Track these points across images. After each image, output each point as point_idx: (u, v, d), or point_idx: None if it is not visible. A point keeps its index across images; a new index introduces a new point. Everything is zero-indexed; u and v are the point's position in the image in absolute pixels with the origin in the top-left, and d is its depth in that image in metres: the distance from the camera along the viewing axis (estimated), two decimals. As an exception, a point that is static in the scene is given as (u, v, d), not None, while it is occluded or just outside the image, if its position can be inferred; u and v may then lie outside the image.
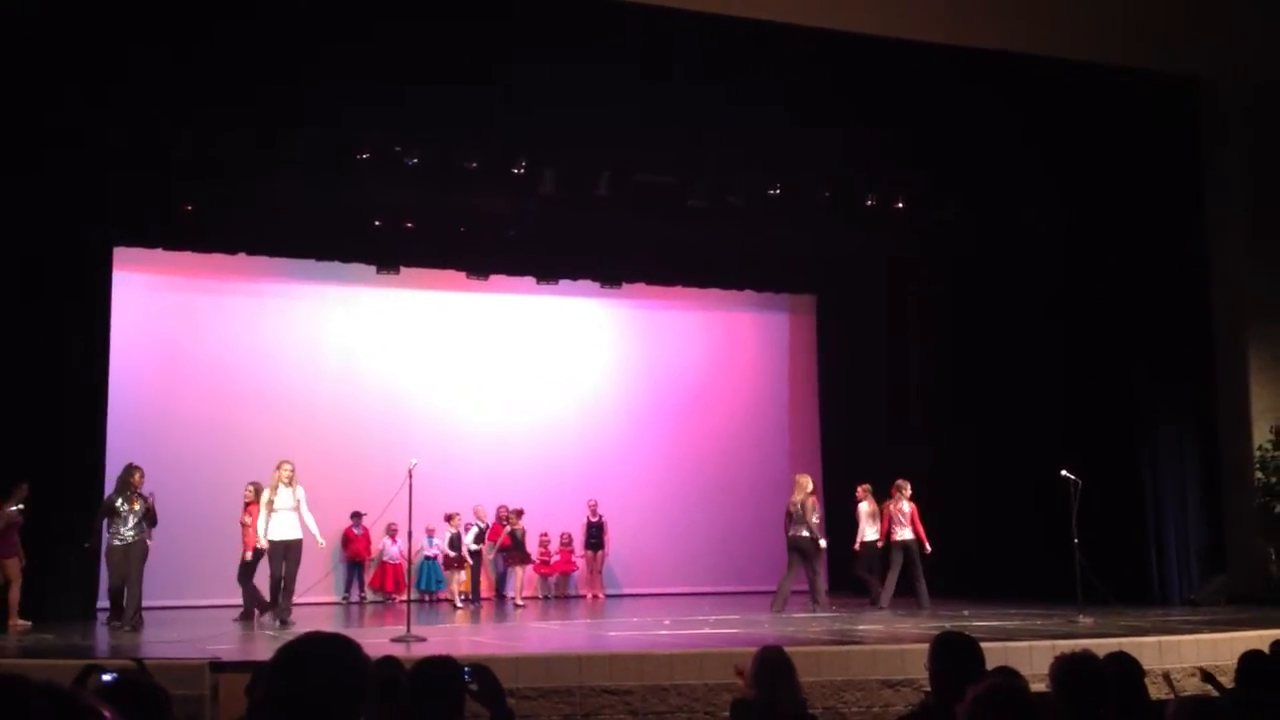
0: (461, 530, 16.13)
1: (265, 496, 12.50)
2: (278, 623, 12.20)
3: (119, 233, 14.90)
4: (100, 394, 14.34)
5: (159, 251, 15.57)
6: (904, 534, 14.51)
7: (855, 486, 15.19)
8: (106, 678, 4.27)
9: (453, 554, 15.96)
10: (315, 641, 2.58)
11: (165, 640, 11.20)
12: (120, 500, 12.25)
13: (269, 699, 2.48)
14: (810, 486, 14.35)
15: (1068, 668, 3.96)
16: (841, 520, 15.73)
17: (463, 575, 16.28)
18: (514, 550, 16.26)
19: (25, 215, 13.40)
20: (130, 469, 12.40)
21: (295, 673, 2.49)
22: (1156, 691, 8.33)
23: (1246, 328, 14.86)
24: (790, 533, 14.09)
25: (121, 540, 12.16)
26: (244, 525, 13.56)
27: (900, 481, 14.77)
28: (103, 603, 13.24)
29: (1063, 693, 3.93)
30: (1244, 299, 14.88)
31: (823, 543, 14.28)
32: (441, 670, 3.86)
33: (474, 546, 16.31)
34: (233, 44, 11.68)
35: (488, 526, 16.40)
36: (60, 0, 11.30)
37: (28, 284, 13.47)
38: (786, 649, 5.11)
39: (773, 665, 4.81)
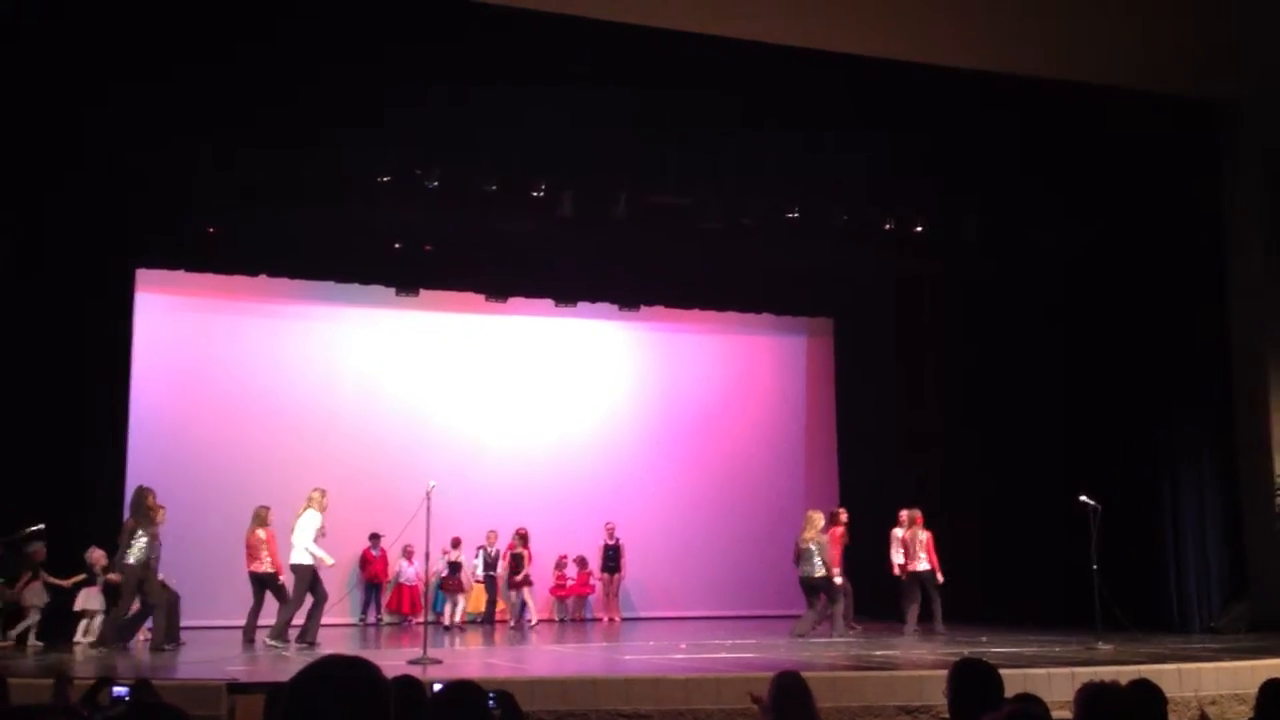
0: (466, 555, 16.33)
1: (316, 522, 12.66)
2: (296, 645, 12.22)
3: (141, 254, 15.02)
4: (121, 414, 14.43)
5: (181, 273, 15.65)
6: (920, 565, 14.42)
7: (898, 511, 14.89)
8: (118, 691, 4.29)
9: (448, 577, 16.15)
10: (335, 665, 2.57)
11: (183, 661, 11.23)
12: (139, 522, 12.29)
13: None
14: (820, 523, 14.22)
15: (1093, 696, 3.94)
16: (862, 545, 15.56)
17: (460, 599, 16.45)
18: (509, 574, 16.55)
19: (49, 236, 13.53)
20: (143, 491, 12.45)
21: (315, 696, 2.48)
22: None
23: (1267, 350, 14.76)
24: (799, 572, 14.05)
25: (136, 560, 12.19)
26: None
27: (913, 511, 14.67)
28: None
29: (1085, 721, 3.90)
30: (1265, 321, 14.79)
31: (838, 579, 14.21)
32: (466, 695, 3.86)
33: (481, 573, 16.43)
34: (254, 66, 11.77)
35: (497, 552, 16.46)
36: (83, 24, 11.40)
37: (51, 304, 13.57)
38: (803, 674, 5.10)
39: (790, 691, 4.79)
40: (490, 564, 16.46)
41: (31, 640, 12.32)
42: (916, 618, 14.37)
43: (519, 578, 16.47)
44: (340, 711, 2.44)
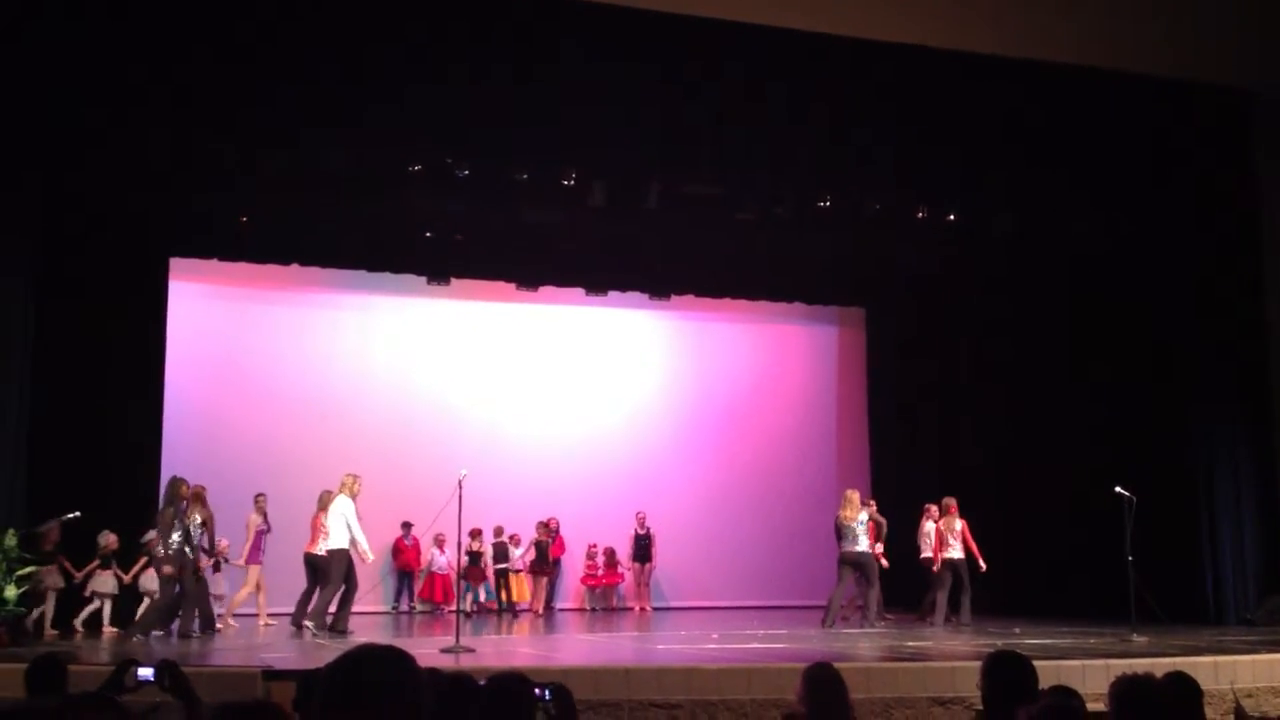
0: (483, 545, 16.70)
1: (352, 508, 12.65)
2: (330, 634, 12.28)
3: (175, 243, 15.12)
4: (156, 402, 14.52)
5: (214, 262, 15.74)
6: (953, 553, 14.39)
7: (927, 504, 14.90)
8: (143, 673, 4.32)
9: (469, 566, 16.41)
10: (370, 653, 2.57)
11: (218, 648, 11.32)
12: (172, 512, 12.37)
13: (324, 712, 2.46)
14: (857, 501, 14.26)
15: (1128, 689, 3.90)
16: (891, 536, 15.51)
17: (479, 589, 16.87)
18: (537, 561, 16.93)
19: (84, 226, 13.64)
20: (176, 481, 12.53)
21: (350, 684, 2.47)
22: (1213, 712, 8.19)
23: (1304, 342, 14.60)
24: (840, 548, 14.04)
25: (171, 549, 12.27)
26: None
27: (947, 500, 14.66)
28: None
29: (1121, 714, 3.87)
30: (1302, 313, 14.62)
31: (882, 561, 14.27)
32: (514, 687, 3.83)
33: (495, 566, 16.82)
34: (288, 55, 11.81)
35: (504, 544, 16.83)
36: (111, 14, 11.46)
37: (86, 294, 13.69)
38: (835, 665, 5.08)
39: (824, 682, 4.77)
40: (500, 556, 16.77)
41: (106, 625, 12.75)
42: (945, 608, 14.32)
43: (545, 566, 16.80)
44: (375, 700, 2.43)
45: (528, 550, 16.91)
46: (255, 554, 14.01)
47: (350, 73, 11.97)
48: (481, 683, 4.07)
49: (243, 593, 14.09)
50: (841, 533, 14.06)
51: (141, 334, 14.45)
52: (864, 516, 14.11)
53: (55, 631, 12.31)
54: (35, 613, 12.15)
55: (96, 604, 12.93)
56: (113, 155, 13.00)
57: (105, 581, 12.98)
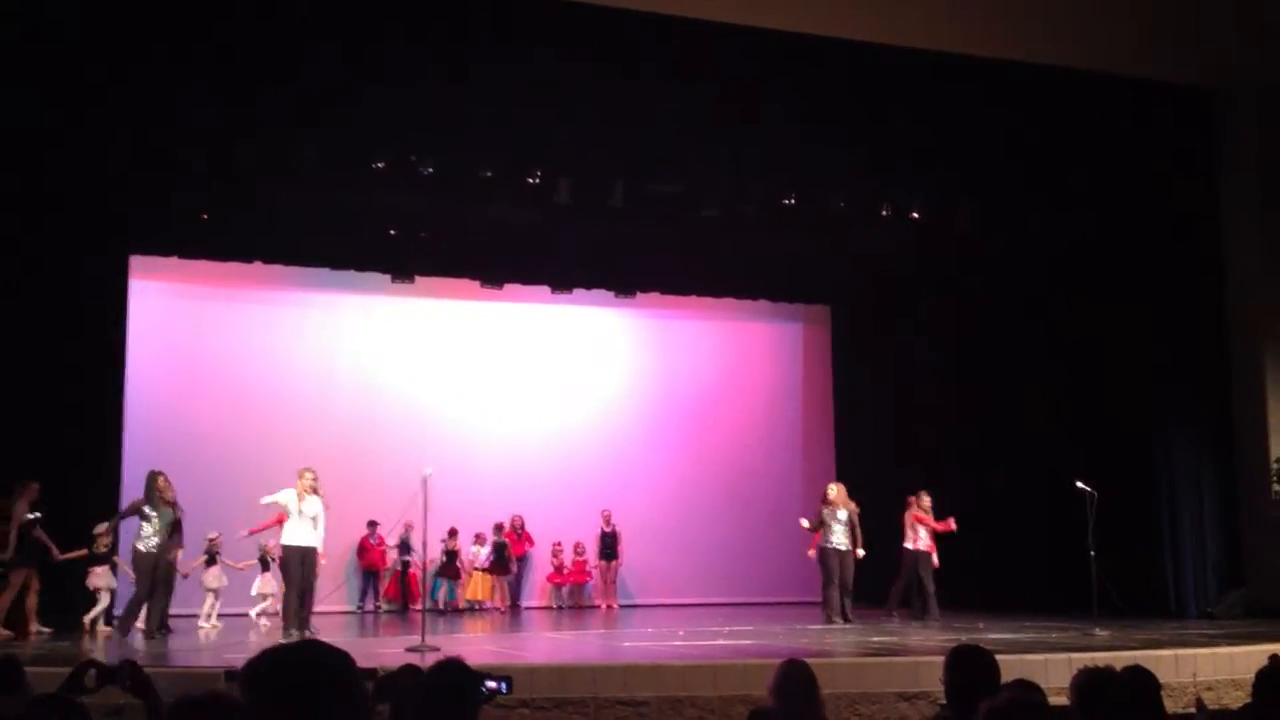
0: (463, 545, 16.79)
1: (291, 504, 12.29)
2: (294, 632, 12.16)
3: (136, 241, 14.97)
4: (117, 402, 14.40)
5: (175, 259, 15.60)
6: (920, 545, 14.54)
7: (907, 497, 15.10)
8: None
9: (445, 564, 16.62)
10: (283, 651, 2.52)
11: (181, 649, 11.23)
12: (148, 505, 12.25)
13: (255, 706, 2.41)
14: (831, 495, 14.38)
15: (1088, 682, 3.94)
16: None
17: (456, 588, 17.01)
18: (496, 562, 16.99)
19: (43, 223, 13.49)
20: (154, 475, 12.42)
21: (278, 687, 2.42)
22: (1175, 705, 8.27)
23: (1264, 336, 14.76)
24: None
25: (147, 547, 12.17)
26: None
27: (921, 495, 14.82)
28: (115, 610, 13.22)
29: (1082, 707, 3.90)
30: (1261, 307, 14.78)
31: (851, 552, 14.39)
32: (456, 677, 3.80)
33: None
34: (247, 52, 11.72)
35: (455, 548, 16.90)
36: (73, 9, 11.35)
37: (45, 291, 13.54)
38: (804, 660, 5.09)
39: (797, 678, 4.78)
40: (451, 556, 16.90)
41: (101, 625, 12.61)
42: (900, 596, 14.66)
43: (503, 567, 16.96)
44: (295, 695, 2.38)
45: (490, 552, 16.89)
46: None
47: (312, 69, 11.89)
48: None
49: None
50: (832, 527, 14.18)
51: (102, 333, 14.31)
52: (826, 511, 14.22)
53: (10, 632, 12.12)
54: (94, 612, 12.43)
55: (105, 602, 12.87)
56: (71, 154, 12.84)
57: (103, 576, 12.92)
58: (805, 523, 14.42)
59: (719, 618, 14.60)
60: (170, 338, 16.07)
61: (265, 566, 14.00)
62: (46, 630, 12.20)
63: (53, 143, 12.57)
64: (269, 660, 2.43)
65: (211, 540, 13.84)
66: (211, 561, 13.80)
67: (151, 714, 3.99)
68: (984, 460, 16.54)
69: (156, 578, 12.10)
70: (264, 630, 13.27)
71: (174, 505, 12.56)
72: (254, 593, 13.97)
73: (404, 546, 16.26)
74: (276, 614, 13.41)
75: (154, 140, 12.68)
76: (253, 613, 14.07)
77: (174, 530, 12.60)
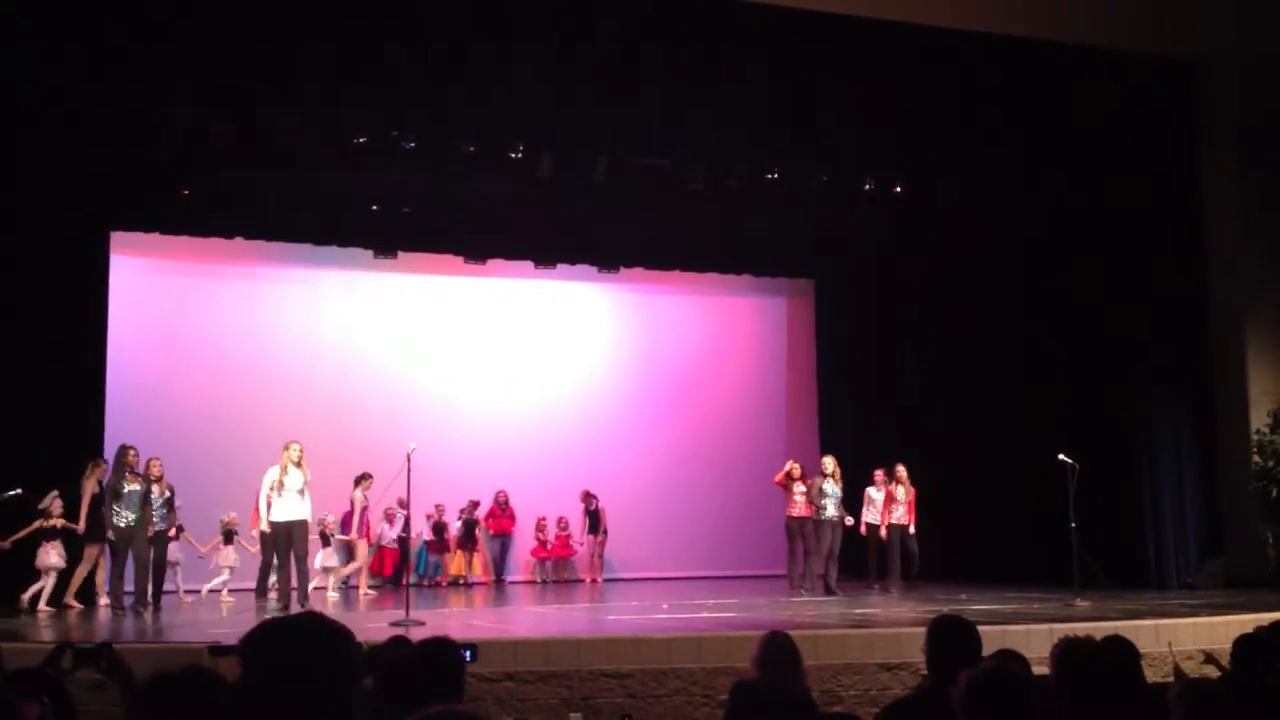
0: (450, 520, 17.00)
1: (272, 477, 12.25)
2: (281, 606, 12.16)
3: (116, 216, 14.84)
4: (98, 378, 14.28)
5: (156, 235, 15.51)
6: (897, 518, 14.80)
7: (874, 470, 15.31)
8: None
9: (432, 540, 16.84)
10: (282, 623, 2.53)
11: (165, 624, 11.23)
12: (121, 483, 12.22)
13: (251, 678, 2.42)
14: (827, 468, 14.62)
15: (1068, 651, 3.98)
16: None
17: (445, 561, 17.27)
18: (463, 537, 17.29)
19: (22, 198, 13.36)
20: (123, 449, 12.39)
21: (277, 653, 2.42)
22: (1153, 674, 8.35)
23: (1244, 311, 14.85)
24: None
25: (125, 522, 12.14)
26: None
27: (898, 468, 14.92)
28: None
29: (1063, 675, 3.94)
30: (1241, 282, 14.87)
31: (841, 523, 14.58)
32: (445, 650, 3.83)
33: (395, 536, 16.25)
34: (230, 26, 11.63)
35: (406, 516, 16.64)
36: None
37: (24, 267, 13.42)
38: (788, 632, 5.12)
39: (780, 650, 4.82)
40: (439, 530, 17.10)
41: (42, 605, 12.16)
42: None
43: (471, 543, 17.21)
44: (293, 667, 2.39)
45: (460, 527, 17.16)
46: (364, 529, 14.99)
47: (293, 44, 11.82)
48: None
49: (351, 566, 15.21)
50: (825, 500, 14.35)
51: (83, 309, 14.18)
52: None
53: (81, 605, 12.19)
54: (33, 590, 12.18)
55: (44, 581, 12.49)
56: (49, 129, 12.72)
57: (53, 554, 12.44)
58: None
59: (703, 591, 14.67)
60: (151, 315, 15.99)
61: (229, 540, 14.34)
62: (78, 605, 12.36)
63: (31, 120, 12.45)
64: (272, 630, 2.44)
65: (227, 521, 14.27)
66: (228, 540, 14.25)
67: (127, 695, 3.99)
68: (968, 432, 16.60)
69: (137, 554, 12.06)
70: (233, 606, 13.32)
71: (160, 481, 12.55)
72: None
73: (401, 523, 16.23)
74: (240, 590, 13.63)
75: (133, 117, 12.57)
76: (206, 588, 14.20)
77: (168, 508, 12.63)
